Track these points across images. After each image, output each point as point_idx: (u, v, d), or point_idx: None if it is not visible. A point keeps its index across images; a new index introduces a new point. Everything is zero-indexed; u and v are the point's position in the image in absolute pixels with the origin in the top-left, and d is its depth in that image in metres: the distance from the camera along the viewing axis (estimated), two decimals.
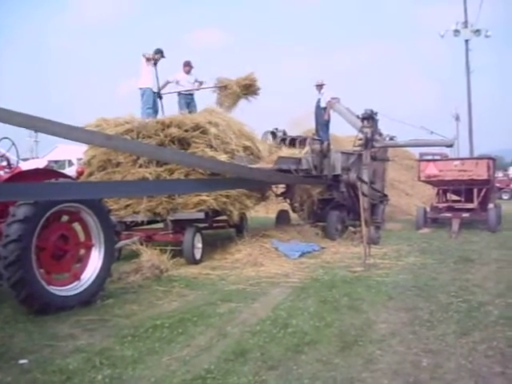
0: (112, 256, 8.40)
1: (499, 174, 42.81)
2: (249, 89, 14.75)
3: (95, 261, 7.99)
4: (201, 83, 15.02)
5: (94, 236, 8.03)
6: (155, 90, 13.85)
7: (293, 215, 16.91)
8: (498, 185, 32.32)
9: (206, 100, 14.86)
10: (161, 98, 14.13)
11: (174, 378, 4.90)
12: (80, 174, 10.31)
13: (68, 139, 6.99)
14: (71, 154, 35.95)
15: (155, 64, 13.95)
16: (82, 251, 8.06)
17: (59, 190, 7.03)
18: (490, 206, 18.03)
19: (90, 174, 11.72)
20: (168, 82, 14.75)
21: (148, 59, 13.79)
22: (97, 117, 12.15)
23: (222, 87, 14.87)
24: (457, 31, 38.16)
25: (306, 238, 13.90)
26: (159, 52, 14.15)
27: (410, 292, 8.28)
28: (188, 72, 15.01)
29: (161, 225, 12.35)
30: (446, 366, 5.12)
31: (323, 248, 13.07)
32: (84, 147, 12.42)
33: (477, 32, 37.95)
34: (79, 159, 17.49)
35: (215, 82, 15.09)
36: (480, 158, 20.03)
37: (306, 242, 13.34)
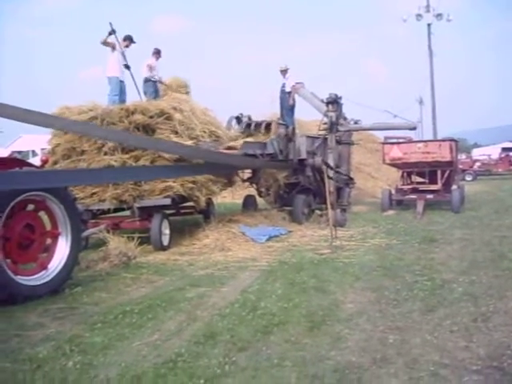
0: (79, 244, 8.36)
1: (462, 156, 43.43)
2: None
3: (62, 249, 7.94)
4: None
5: (61, 225, 7.97)
6: (122, 79, 13.70)
7: (259, 200, 16.94)
8: (461, 166, 32.79)
9: None
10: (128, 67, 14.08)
11: (144, 362, 4.92)
12: (44, 162, 10.20)
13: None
14: (35, 144, 35.47)
15: (118, 50, 13.75)
16: (49, 240, 8.01)
17: (24, 178, 6.98)
18: (454, 187, 18.34)
19: (55, 163, 11.59)
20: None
21: (113, 47, 13.58)
22: (59, 105, 12.01)
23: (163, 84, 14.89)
24: (419, 15, 38.67)
25: (273, 222, 13.97)
26: (127, 39, 14.00)
27: (376, 272, 8.43)
28: (157, 60, 14.98)
29: (127, 212, 12.30)
30: (412, 341, 5.24)
31: (290, 232, 13.16)
32: (48, 136, 12.26)
33: (438, 16, 38.49)
34: (43, 149, 17.27)
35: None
36: (443, 140, 20.27)
37: (273, 226, 13.41)
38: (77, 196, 10.36)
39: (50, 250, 7.94)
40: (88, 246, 11.15)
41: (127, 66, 13.95)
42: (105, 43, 13.50)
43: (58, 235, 7.97)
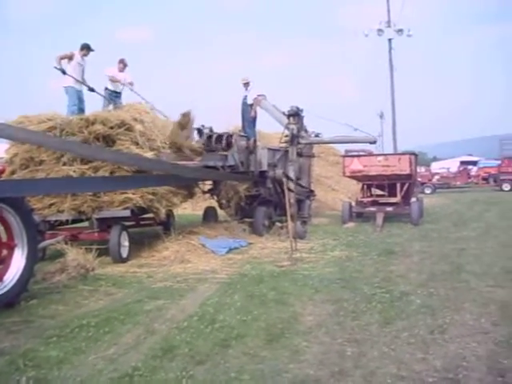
0: (35, 256, 8.19)
1: (421, 169, 44.11)
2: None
3: (18, 261, 7.75)
4: (131, 83, 14.88)
5: (17, 236, 7.80)
6: (78, 88, 13.56)
7: (220, 212, 16.91)
8: (420, 179, 33.28)
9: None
10: (93, 90, 13.90)
11: (100, 376, 4.85)
12: (1, 172, 10.00)
13: None
14: None
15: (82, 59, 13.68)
16: (4, 252, 7.81)
17: None
18: (413, 200, 18.59)
19: (12, 173, 11.40)
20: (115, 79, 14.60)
21: (70, 58, 13.47)
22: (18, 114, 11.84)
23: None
24: (380, 30, 39.36)
25: (234, 234, 13.92)
26: (85, 47, 13.75)
27: (335, 284, 8.44)
28: (122, 70, 14.87)
29: (86, 223, 12.15)
30: (369, 354, 5.27)
31: (250, 244, 13.13)
32: (5, 146, 12.07)
33: (399, 31, 39.22)
34: (0, 158, 16.99)
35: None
36: (402, 153, 20.53)
37: (234, 238, 13.37)
38: (34, 207, 10.22)
39: (5, 262, 7.75)
40: (45, 258, 10.99)
41: (91, 89, 13.86)
42: (61, 58, 13.33)
43: (13, 247, 7.79)
